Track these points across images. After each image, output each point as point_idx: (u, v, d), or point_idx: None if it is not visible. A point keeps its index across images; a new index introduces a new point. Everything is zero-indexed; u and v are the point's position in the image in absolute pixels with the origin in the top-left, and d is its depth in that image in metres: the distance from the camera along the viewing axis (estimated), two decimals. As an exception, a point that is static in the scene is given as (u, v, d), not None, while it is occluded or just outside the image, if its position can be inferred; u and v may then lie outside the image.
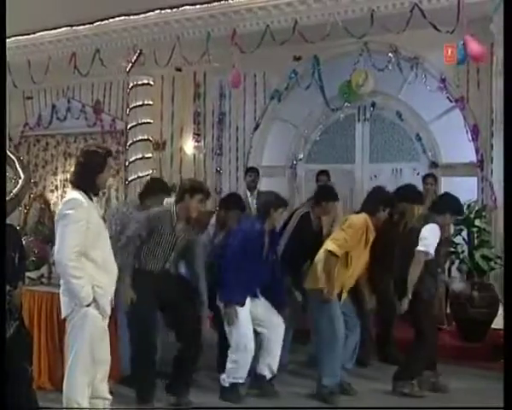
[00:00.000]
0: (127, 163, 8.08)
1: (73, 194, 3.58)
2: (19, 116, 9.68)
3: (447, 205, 4.78)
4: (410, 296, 4.57)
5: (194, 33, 7.37)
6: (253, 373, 4.70)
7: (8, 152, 7.19)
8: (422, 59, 6.92)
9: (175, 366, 4.45)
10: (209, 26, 7.23)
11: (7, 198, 6.05)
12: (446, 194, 5.06)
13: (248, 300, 4.57)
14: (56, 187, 9.42)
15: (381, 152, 7.49)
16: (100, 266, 3.57)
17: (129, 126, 8.01)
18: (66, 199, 3.61)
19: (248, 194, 6.94)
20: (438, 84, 6.84)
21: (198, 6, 7.18)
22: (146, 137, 7.96)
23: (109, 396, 3.82)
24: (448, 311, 6.33)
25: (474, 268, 5.98)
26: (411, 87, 7.13)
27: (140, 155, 7.92)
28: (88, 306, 3.51)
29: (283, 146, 8.03)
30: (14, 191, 6.11)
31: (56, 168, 9.53)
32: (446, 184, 7.08)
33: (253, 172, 7.00)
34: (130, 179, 8.02)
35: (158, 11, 7.39)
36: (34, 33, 8.26)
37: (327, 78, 7.42)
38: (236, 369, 4.55)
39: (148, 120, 7.97)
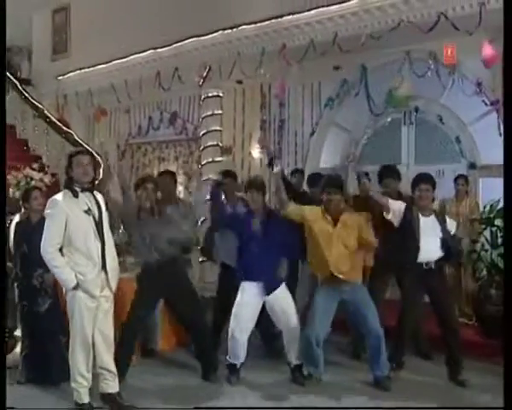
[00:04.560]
0: (200, 166, 9.17)
1: (56, 195, 4.21)
2: (125, 127, 11.26)
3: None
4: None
5: (253, 49, 8.20)
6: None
7: (95, 155, 8.59)
8: (459, 64, 7.11)
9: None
10: (264, 42, 8.06)
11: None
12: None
13: (256, 291, 4.96)
14: (152, 187, 10.76)
15: (425, 154, 7.78)
16: (84, 254, 4.12)
17: (201, 133, 9.07)
18: (49, 200, 4.23)
19: (294, 193, 7.61)
20: (474, 89, 7.01)
21: (253, 25, 8.05)
22: (215, 143, 8.96)
23: (114, 369, 4.38)
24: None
25: (491, 266, 6.15)
26: (451, 91, 7.35)
27: (210, 159, 8.93)
28: (75, 289, 4.10)
29: (337, 149, 8.59)
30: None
31: (152, 171, 10.91)
32: (484, 185, 7.24)
33: (297, 173, 7.63)
34: (203, 179, 9.09)
35: (221, 32, 8.37)
36: (128, 57, 9.67)
37: (374, 85, 7.86)
38: (230, 350, 5.07)
39: (218, 128, 8.97)
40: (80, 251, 4.14)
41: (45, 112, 10.01)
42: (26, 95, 10.45)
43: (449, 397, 4.84)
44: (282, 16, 7.75)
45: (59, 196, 4.18)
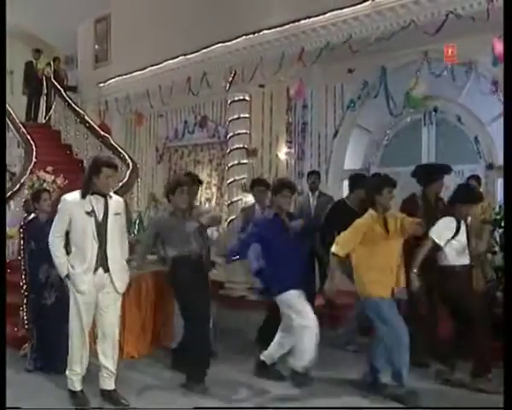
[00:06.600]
0: (227, 168, 9.42)
1: (68, 194, 4.56)
2: (163, 131, 11.63)
3: (459, 195, 5.01)
4: (415, 271, 4.73)
5: (274, 53, 8.35)
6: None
7: (127, 157, 9.01)
8: (475, 63, 7.01)
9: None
10: (284, 46, 8.21)
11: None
12: (460, 185, 5.30)
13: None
14: (189, 189, 11.13)
15: (445, 154, 7.68)
16: (79, 250, 4.44)
17: (228, 136, 9.31)
18: (62, 197, 4.58)
19: (310, 194, 7.74)
20: (490, 87, 6.88)
21: (273, 30, 8.22)
22: (242, 146, 9.18)
23: (111, 367, 4.58)
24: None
25: (497, 269, 6.04)
26: (469, 91, 7.25)
27: (236, 161, 9.16)
28: (67, 277, 4.44)
29: (360, 150, 8.61)
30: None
31: (188, 173, 11.24)
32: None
33: (313, 175, 7.75)
34: (228, 182, 9.34)
35: (244, 37, 8.59)
36: (161, 63, 10.05)
37: (394, 86, 7.82)
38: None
39: (244, 131, 9.18)
40: (76, 246, 4.48)
41: (85, 117, 10.55)
42: (70, 101, 11.04)
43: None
44: (299, 20, 7.88)
45: (69, 196, 4.54)
